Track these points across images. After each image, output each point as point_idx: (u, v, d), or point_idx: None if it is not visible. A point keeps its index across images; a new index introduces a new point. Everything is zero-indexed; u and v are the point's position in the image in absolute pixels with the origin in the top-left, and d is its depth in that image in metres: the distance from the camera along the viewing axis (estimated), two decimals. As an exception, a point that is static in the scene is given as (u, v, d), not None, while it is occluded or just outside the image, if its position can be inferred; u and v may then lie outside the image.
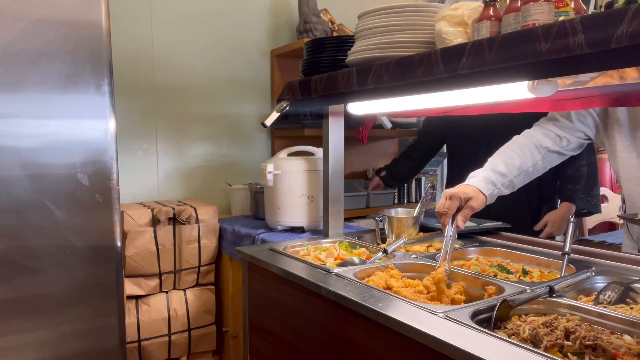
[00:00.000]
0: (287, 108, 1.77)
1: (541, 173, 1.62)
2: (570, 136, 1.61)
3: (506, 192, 1.55)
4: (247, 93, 2.80)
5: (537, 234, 2.02)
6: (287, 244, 1.77)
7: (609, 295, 1.20)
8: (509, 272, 1.45)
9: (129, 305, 2.14)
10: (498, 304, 1.08)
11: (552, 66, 0.93)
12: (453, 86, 1.18)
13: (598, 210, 2.07)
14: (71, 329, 1.52)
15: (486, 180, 1.50)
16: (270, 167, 2.01)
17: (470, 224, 1.93)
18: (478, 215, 2.03)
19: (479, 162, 1.80)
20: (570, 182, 2.00)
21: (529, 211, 2.11)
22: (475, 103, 1.57)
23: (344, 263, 1.57)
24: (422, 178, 2.95)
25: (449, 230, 1.41)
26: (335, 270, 1.42)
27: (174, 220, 2.20)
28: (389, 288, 1.29)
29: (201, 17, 2.63)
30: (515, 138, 1.66)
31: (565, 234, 1.45)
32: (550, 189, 2.10)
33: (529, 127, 1.82)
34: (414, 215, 1.80)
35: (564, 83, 1.22)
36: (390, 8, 1.40)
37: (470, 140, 2.24)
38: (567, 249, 1.39)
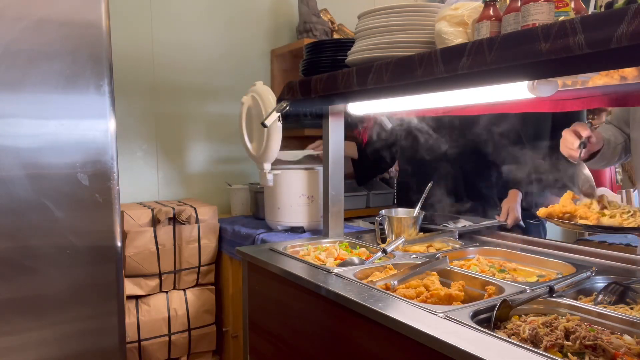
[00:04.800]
0: (287, 108, 1.76)
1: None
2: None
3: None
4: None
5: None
6: (287, 244, 1.77)
7: (609, 295, 1.20)
8: (507, 272, 1.45)
9: (129, 305, 2.14)
10: (498, 304, 1.08)
11: (552, 66, 0.93)
12: (453, 86, 1.18)
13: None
14: (71, 329, 1.52)
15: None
16: (270, 167, 2.01)
17: (469, 224, 1.93)
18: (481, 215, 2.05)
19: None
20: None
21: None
22: (475, 103, 1.57)
23: (344, 263, 1.57)
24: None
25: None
26: (335, 270, 1.42)
27: (174, 220, 2.20)
28: (388, 288, 1.29)
29: (201, 18, 2.63)
30: (601, 127, 1.76)
31: None
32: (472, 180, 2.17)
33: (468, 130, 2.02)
34: (414, 215, 1.80)
35: (564, 83, 1.22)
36: (390, 8, 1.40)
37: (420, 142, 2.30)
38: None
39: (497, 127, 2.06)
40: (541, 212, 1.37)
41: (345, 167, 1.93)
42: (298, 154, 2.18)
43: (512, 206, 1.98)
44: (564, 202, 1.34)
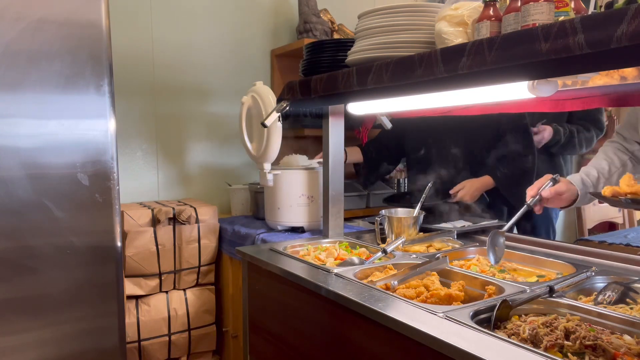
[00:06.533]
0: (287, 108, 1.77)
1: None
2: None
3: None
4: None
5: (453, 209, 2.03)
6: (287, 244, 1.77)
7: (609, 295, 1.20)
8: (507, 272, 1.45)
9: (129, 305, 2.14)
10: (498, 304, 1.08)
11: (552, 66, 0.93)
12: (453, 86, 1.18)
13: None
14: (71, 329, 1.51)
15: (579, 180, 1.61)
16: (270, 167, 2.01)
17: (468, 224, 1.93)
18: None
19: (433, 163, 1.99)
20: (503, 165, 2.04)
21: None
22: (475, 103, 1.57)
23: (344, 263, 1.57)
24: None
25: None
26: (335, 270, 1.42)
27: (174, 220, 2.20)
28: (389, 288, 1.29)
29: (201, 18, 2.62)
30: (602, 147, 1.74)
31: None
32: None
33: (479, 129, 2.01)
34: (414, 215, 1.80)
35: (564, 83, 1.22)
36: (390, 8, 1.40)
37: (426, 141, 2.28)
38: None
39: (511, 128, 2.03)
40: (606, 191, 1.35)
41: (344, 167, 1.93)
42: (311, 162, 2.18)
43: (469, 185, 1.94)
44: (629, 182, 1.33)
